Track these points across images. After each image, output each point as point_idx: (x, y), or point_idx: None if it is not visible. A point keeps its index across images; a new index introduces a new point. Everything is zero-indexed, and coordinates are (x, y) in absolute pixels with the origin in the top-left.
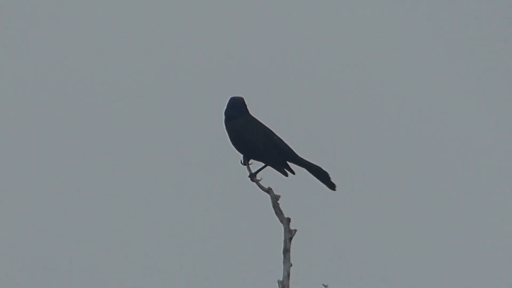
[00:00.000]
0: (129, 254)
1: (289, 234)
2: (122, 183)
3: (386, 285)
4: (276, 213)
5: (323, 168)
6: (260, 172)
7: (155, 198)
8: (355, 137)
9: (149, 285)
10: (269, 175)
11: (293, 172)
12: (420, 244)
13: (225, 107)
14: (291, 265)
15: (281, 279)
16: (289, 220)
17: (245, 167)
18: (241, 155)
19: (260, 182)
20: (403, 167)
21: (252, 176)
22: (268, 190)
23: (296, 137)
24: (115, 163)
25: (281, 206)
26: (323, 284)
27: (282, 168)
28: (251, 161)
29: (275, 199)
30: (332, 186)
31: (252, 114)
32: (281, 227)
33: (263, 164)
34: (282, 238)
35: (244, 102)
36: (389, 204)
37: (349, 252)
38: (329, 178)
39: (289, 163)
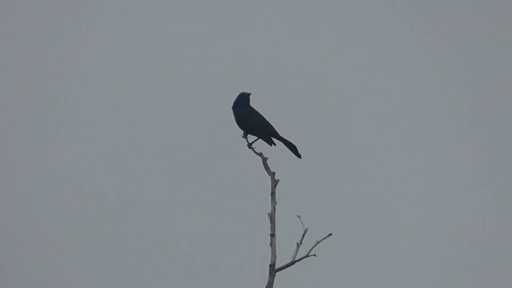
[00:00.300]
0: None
1: (274, 182)
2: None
3: (345, 215)
4: (266, 169)
5: (294, 143)
6: (255, 143)
7: (182, 158)
8: (315, 124)
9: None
10: (260, 145)
11: (275, 144)
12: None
13: (235, 98)
14: (276, 203)
15: (269, 212)
16: (274, 173)
17: (245, 139)
18: (242, 131)
19: (254, 149)
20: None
21: (249, 145)
22: (260, 154)
23: (278, 122)
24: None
25: (268, 164)
26: (297, 215)
27: (269, 140)
28: (248, 135)
29: (264, 160)
30: (299, 156)
31: (252, 106)
32: (268, 178)
33: (256, 137)
34: (270, 185)
35: (249, 97)
36: (336, 165)
37: (313, 194)
38: (297, 150)
39: (273, 138)
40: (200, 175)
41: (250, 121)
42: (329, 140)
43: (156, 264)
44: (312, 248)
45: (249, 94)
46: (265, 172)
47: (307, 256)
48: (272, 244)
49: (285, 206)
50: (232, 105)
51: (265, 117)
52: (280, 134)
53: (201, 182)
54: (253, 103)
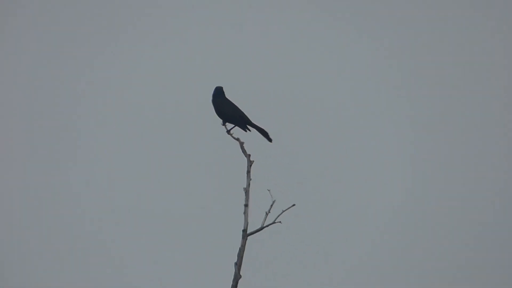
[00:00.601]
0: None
1: (250, 163)
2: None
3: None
4: (242, 151)
5: (266, 129)
6: (232, 129)
7: (172, 146)
8: (283, 114)
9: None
10: (238, 131)
11: (249, 130)
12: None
13: (212, 92)
14: (251, 179)
15: (245, 186)
16: (249, 155)
17: (224, 127)
18: (221, 120)
19: (232, 134)
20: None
21: (228, 131)
22: (237, 139)
23: (252, 111)
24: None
25: (245, 147)
26: (267, 189)
27: (244, 127)
28: (227, 123)
29: (241, 144)
30: (270, 140)
31: (228, 98)
32: (245, 159)
33: (233, 125)
34: (246, 165)
35: (223, 90)
36: (301, 148)
37: (281, 172)
38: (268, 135)
39: (248, 126)
40: (189, 157)
41: (225, 110)
42: (296, 126)
43: (150, 229)
44: (278, 216)
45: (221, 88)
46: (242, 154)
47: (273, 223)
48: (245, 213)
49: (258, 182)
50: (211, 98)
51: (238, 107)
52: (253, 121)
53: (190, 162)
54: (232, 95)
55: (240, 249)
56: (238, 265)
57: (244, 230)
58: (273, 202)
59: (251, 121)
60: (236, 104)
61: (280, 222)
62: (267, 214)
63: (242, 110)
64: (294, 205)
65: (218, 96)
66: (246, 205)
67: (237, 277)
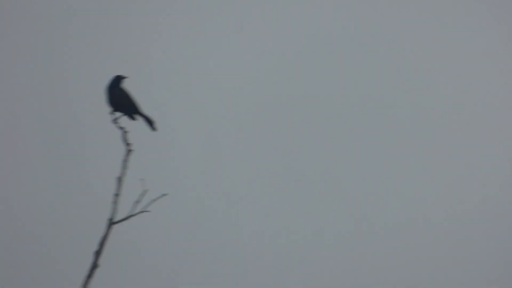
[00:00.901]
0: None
1: (127, 152)
2: None
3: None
4: (124, 140)
5: (152, 118)
6: (119, 118)
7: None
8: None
9: None
10: (123, 120)
11: (135, 119)
12: None
13: (110, 80)
14: (127, 168)
15: (119, 175)
16: (129, 144)
17: (112, 115)
18: (111, 109)
19: (118, 123)
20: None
21: (114, 120)
22: (122, 128)
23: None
24: None
25: (127, 137)
26: (140, 179)
27: (132, 116)
28: (115, 112)
29: (124, 132)
30: (154, 129)
31: (126, 88)
32: (125, 148)
33: (121, 114)
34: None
35: (120, 79)
36: (181, 140)
37: (161, 162)
38: (153, 125)
39: (135, 115)
40: (66, 146)
41: (121, 101)
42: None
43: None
44: (148, 205)
45: (119, 76)
46: (123, 143)
47: (141, 212)
48: (115, 202)
49: (137, 173)
50: (106, 86)
51: (131, 96)
52: (142, 111)
53: (66, 151)
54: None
55: (101, 237)
56: (97, 253)
57: (110, 219)
58: (144, 191)
59: (139, 111)
60: (128, 93)
61: (148, 211)
62: (136, 203)
63: (133, 99)
64: (164, 194)
65: (115, 85)
66: (116, 194)
67: (94, 266)
